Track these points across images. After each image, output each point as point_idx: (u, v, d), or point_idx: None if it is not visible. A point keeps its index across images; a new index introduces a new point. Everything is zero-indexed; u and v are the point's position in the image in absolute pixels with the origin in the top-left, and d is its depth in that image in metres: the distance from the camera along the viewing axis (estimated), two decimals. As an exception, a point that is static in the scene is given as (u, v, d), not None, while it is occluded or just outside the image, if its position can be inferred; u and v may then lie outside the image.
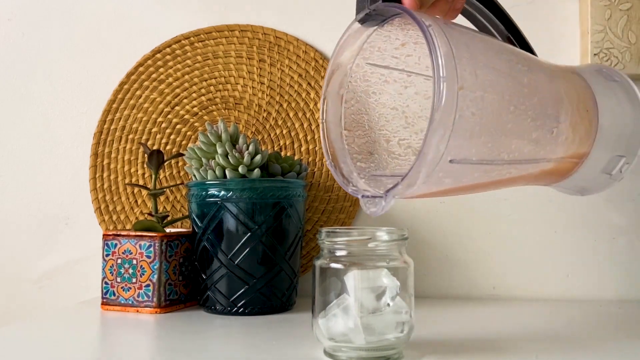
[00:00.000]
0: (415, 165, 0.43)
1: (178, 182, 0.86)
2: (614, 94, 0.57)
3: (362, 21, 0.49)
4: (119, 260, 0.72)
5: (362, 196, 0.49)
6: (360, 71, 0.53)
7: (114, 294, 0.73)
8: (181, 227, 0.84)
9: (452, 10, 0.52)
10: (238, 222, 0.70)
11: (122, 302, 0.72)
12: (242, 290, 0.70)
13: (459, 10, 0.53)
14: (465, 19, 0.57)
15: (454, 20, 0.50)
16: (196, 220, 0.73)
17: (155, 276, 0.71)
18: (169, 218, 0.79)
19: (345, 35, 0.50)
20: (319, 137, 0.85)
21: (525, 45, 0.57)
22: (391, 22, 0.49)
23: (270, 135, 0.86)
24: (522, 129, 0.49)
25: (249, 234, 0.70)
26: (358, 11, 0.49)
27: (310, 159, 0.85)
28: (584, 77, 0.57)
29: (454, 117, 0.43)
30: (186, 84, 0.88)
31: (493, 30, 0.57)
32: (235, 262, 0.70)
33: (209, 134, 0.74)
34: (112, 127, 0.88)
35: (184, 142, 0.87)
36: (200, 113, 0.87)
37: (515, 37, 0.57)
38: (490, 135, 0.46)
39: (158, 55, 0.89)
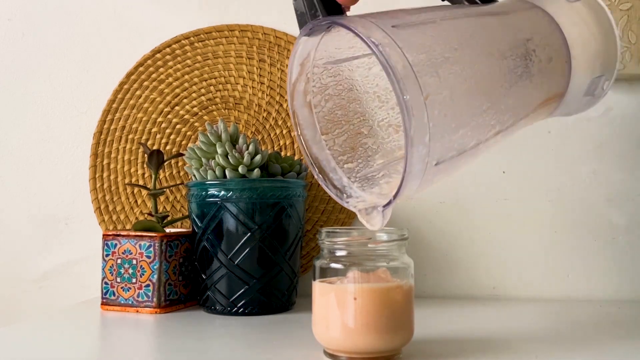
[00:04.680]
0: (403, 183, 0.43)
1: (178, 182, 0.86)
2: (579, 17, 0.55)
3: (308, 34, 0.48)
4: (119, 261, 0.72)
5: (359, 210, 0.49)
6: (321, 72, 0.52)
7: (114, 294, 0.73)
8: (181, 227, 0.84)
9: None
10: (238, 222, 0.70)
11: (122, 302, 0.72)
12: (242, 290, 0.70)
13: None
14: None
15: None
16: (196, 220, 0.73)
17: (155, 276, 0.71)
18: (169, 218, 0.79)
19: (297, 49, 0.49)
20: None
21: None
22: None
23: (270, 135, 0.86)
24: (496, 102, 0.48)
25: (249, 234, 0.70)
26: (300, 26, 0.48)
27: (310, 159, 0.85)
28: (544, 9, 0.55)
29: (428, 128, 0.42)
30: (186, 84, 0.88)
31: None
32: (235, 262, 0.70)
33: (209, 134, 0.74)
34: (112, 127, 0.88)
35: (184, 142, 0.87)
36: (200, 113, 0.87)
37: None
38: (467, 125, 0.46)
39: (158, 55, 0.89)
